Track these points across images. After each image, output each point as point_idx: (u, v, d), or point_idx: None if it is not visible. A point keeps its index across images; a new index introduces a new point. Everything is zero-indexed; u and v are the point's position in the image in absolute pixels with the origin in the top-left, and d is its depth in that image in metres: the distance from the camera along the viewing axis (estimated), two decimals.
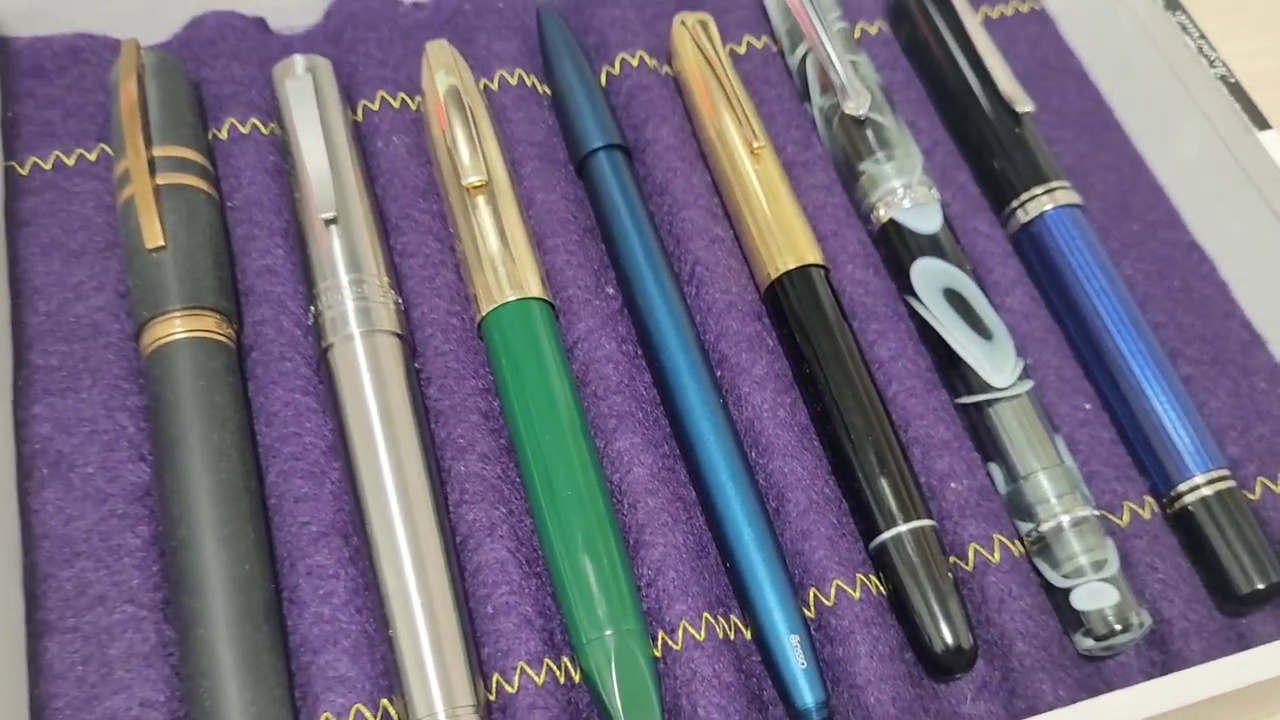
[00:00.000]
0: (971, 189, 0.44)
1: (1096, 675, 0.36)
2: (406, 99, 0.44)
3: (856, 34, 0.47)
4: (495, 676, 0.33)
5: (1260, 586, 0.36)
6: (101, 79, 0.43)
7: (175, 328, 0.36)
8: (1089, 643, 0.35)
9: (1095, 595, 0.35)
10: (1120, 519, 0.38)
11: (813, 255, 0.40)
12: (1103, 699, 0.32)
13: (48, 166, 0.41)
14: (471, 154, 0.40)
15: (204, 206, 0.39)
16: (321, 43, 0.46)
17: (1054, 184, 0.42)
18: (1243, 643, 0.37)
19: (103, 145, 0.41)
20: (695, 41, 0.44)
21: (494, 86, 0.44)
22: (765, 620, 0.35)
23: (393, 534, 0.34)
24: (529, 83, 0.44)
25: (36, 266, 0.39)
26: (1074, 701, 0.34)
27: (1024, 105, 0.43)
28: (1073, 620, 0.35)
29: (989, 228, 0.43)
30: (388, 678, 0.33)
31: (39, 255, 0.39)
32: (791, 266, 0.40)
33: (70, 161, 0.41)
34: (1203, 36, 0.42)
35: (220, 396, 0.36)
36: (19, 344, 0.37)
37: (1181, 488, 0.38)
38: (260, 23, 0.45)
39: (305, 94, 0.41)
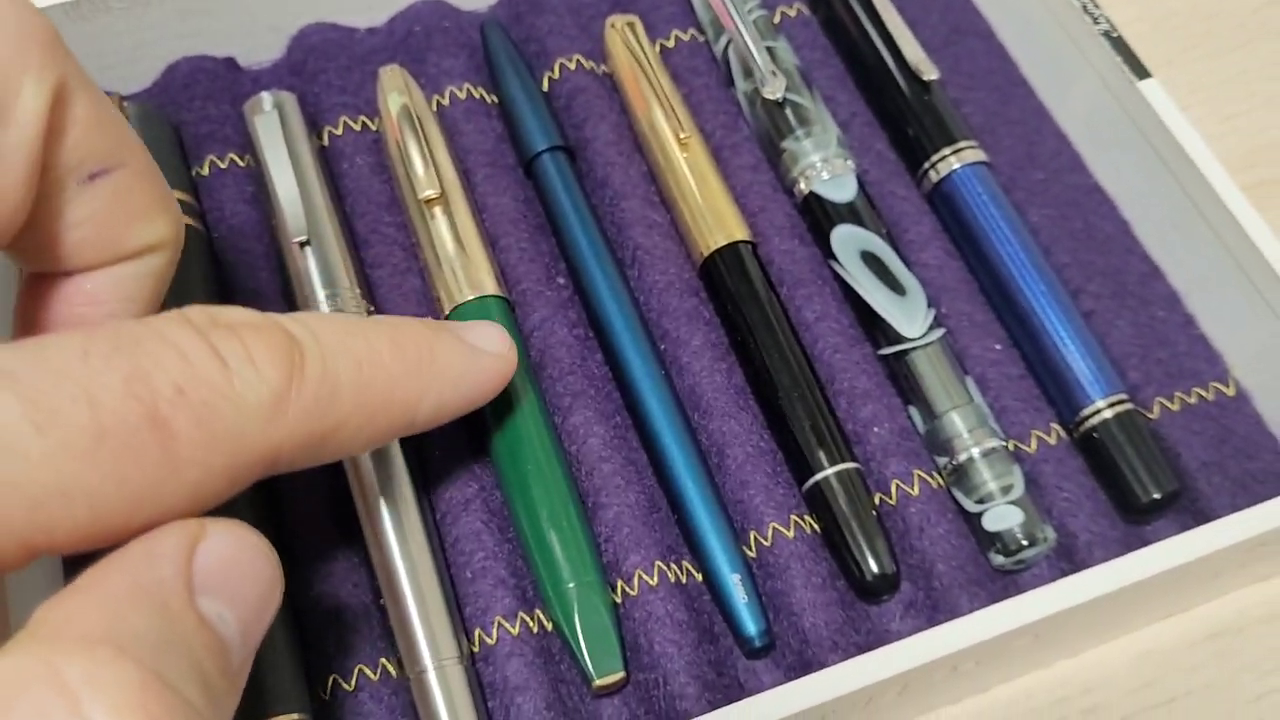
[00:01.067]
0: (888, 155, 0.48)
1: (1013, 586, 0.40)
2: (367, 121, 0.48)
3: (777, 18, 0.51)
4: (477, 631, 0.38)
5: (1156, 496, 0.40)
6: None
7: None
8: (1001, 559, 0.40)
9: (1004, 517, 0.39)
10: (1029, 447, 0.42)
11: (740, 232, 0.44)
12: (1008, 602, 0.36)
13: None
14: (425, 169, 0.44)
15: (195, 240, 0.44)
16: (286, 75, 0.50)
17: (961, 144, 0.46)
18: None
19: None
20: (625, 42, 0.48)
21: (445, 102, 0.48)
22: (711, 562, 0.39)
23: (379, 515, 0.39)
24: (477, 95, 0.49)
25: None
26: None
27: (930, 73, 0.47)
28: (986, 541, 0.40)
29: (905, 190, 0.47)
30: (384, 641, 0.38)
31: None
32: (721, 244, 0.44)
33: None
34: None
35: None
36: None
37: (1085, 413, 0.42)
38: (230, 62, 0.50)
39: (273, 128, 0.45)
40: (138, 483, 0.23)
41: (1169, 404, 0.43)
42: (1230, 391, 0.43)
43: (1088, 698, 0.42)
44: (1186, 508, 0.41)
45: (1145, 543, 0.41)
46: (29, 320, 0.31)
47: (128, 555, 0.23)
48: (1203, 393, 0.43)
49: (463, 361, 0.34)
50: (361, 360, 0.29)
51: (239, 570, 0.24)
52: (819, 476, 0.40)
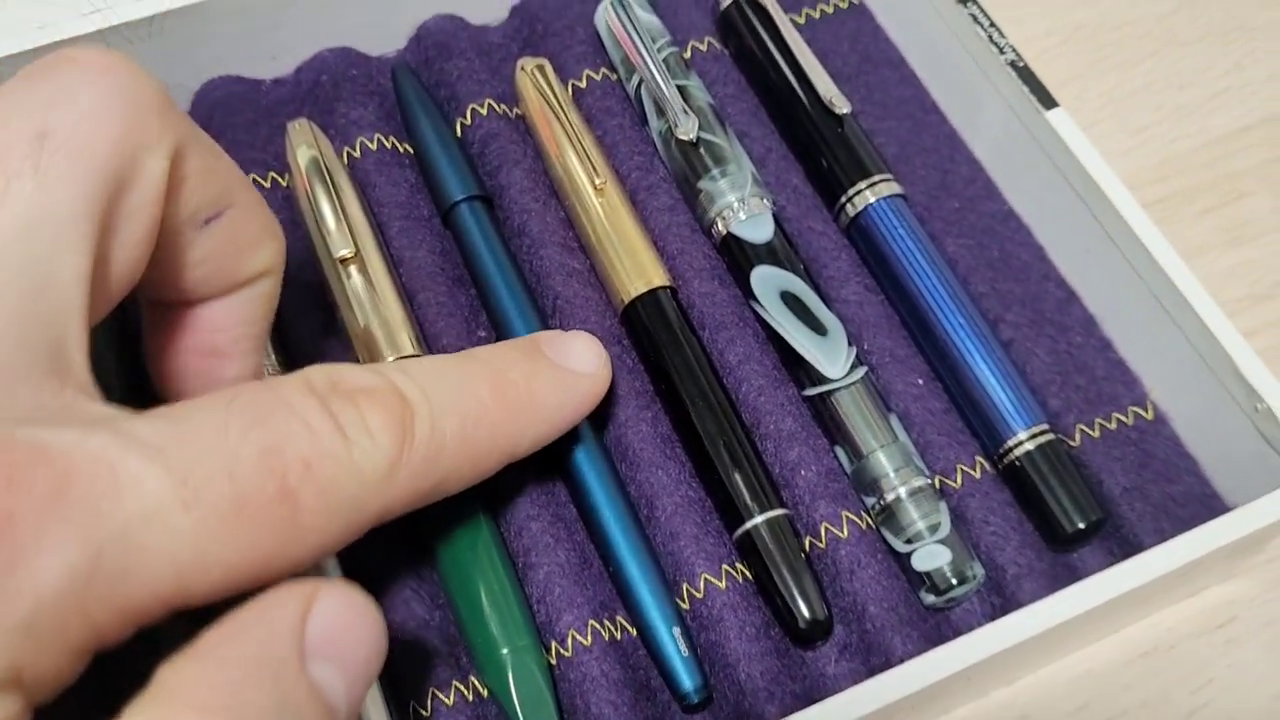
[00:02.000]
0: (805, 189, 0.48)
1: (946, 624, 0.41)
2: (277, 177, 0.47)
3: (688, 53, 0.51)
4: (411, 705, 0.38)
5: (1081, 525, 0.41)
6: None
7: None
8: (932, 598, 0.40)
9: (932, 556, 0.40)
10: (955, 482, 0.42)
11: (659, 278, 0.44)
12: (942, 648, 0.36)
13: None
14: (338, 227, 0.44)
15: None
16: None
17: (875, 177, 0.46)
18: (1074, 576, 0.41)
19: None
20: (536, 86, 0.48)
21: (356, 154, 0.48)
22: (645, 618, 0.39)
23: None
24: (389, 145, 0.48)
25: None
26: (920, 652, 0.39)
27: (842, 107, 0.47)
28: (916, 580, 0.40)
29: (822, 225, 0.47)
30: None
31: None
32: (641, 291, 0.44)
33: None
34: (993, 25, 0.46)
35: None
36: None
37: (1008, 444, 0.42)
38: None
39: None
40: (266, 549, 0.26)
41: (1090, 431, 0.43)
42: (1149, 415, 0.44)
43: None
44: (1111, 534, 0.42)
45: (1072, 571, 0.41)
46: (161, 350, 0.34)
47: (245, 623, 0.24)
48: (1122, 418, 0.43)
49: (560, 393, 0.36)
50: (467, 416, 0.32)
51: (348, 633, 0.25)
52: (749, 525, 0.40)
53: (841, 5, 0.53)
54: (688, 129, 0.46)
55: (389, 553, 0.40)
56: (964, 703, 0.42)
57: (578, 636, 0.39)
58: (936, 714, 0.42)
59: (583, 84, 0.50)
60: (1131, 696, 0.43)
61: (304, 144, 0.46)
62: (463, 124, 0.49)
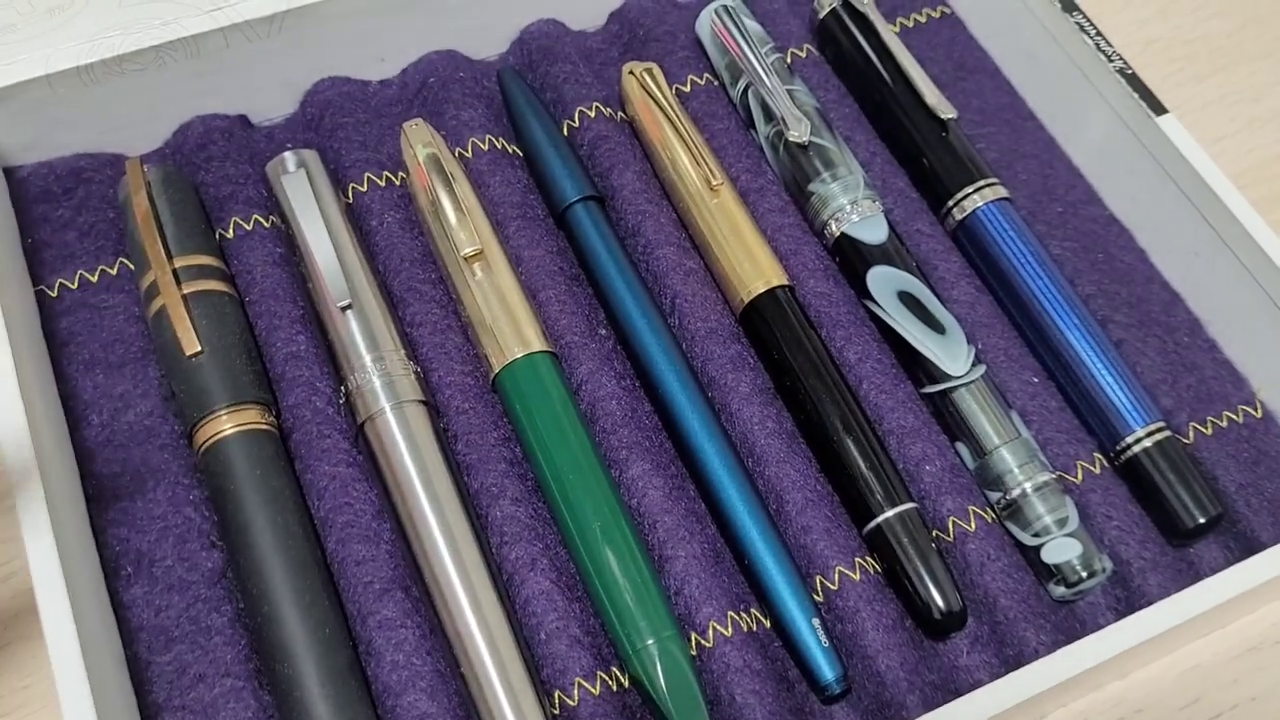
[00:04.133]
0: (910, 193, 0.49)
1: (1071, 617, 0.41)
2: (391, 177, 0.48)
3: (788, 59, 0.52)
4: (556, 694, 0.38)
5: (1202, 521, 0.42)
6: (106, 195, 0.46)
7: (223, 425, 0.40)
8: (1061, 590, 0.41)
9: (1063, 549, 0.40)
10: (1075, 477, 0.43)
11: (778, 277, 0.45)
12: (1079, 643, 0.37)
13: (74, 286, 0.44)
14: (462, 225, 0.44)
15: (229, 307, 0.43)
16: (302, 130, 0.49)
17: (982, 182, 0.47)
18: (1193, 571, 0.42)
19: (121, 259, 0.45)
20: (645, 89, 0.49)
21: (468, 154, 0.48)
22: (782, 609, 0.40)
23: (449, 580, 0.38)
24: (499, 145, 0.49)
25: (83, 382, 0.42)
26: (1055, 644, 0.39)
27: (948, 112, 0.48)
28: (1045, 573, 0.41)
29: (929, 227, 0.48)
30: (464, 709, 0.38)
31: (83, 371, 0.43)
32: (760, 290, 0.44)
33: (94, 279, 0.44)
34: (1099, 34, 0.47)
35: (276, 481, 0.40)
36: (81, 456, 0.41)
37: (1126, 442, 0.43)
38: (243, 120, 0.49)
39: (302, 188, 0.45)
40: None
41: (1202, 429, 0.44)
42: (1258, 414, 0.45)
43: (1140, 717, 0.43)
44: (1227, 529, 0.43)
45: (1190, 566, 0.42)
46: None
47: None
48: (1232, 416, 0.44)
49: None
50: None
51: None
52: (880, 518, 0.41)
53: (934, 15, 0.54)
54: (800, 131, 0.47)
55: (523, 541, 0.40)
56: (1080, 696, 0.43)
57: (718, 627, 0.39)
58: (1054, 707, 0.43)
59: (687, 88, 0.51)
60: (1241, 691, 0.44)
61: (422, 143, 0.46)
62: (570, 126, 0.49)
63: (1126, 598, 0.41)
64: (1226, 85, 0.59)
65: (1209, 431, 0.44)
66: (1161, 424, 0.43)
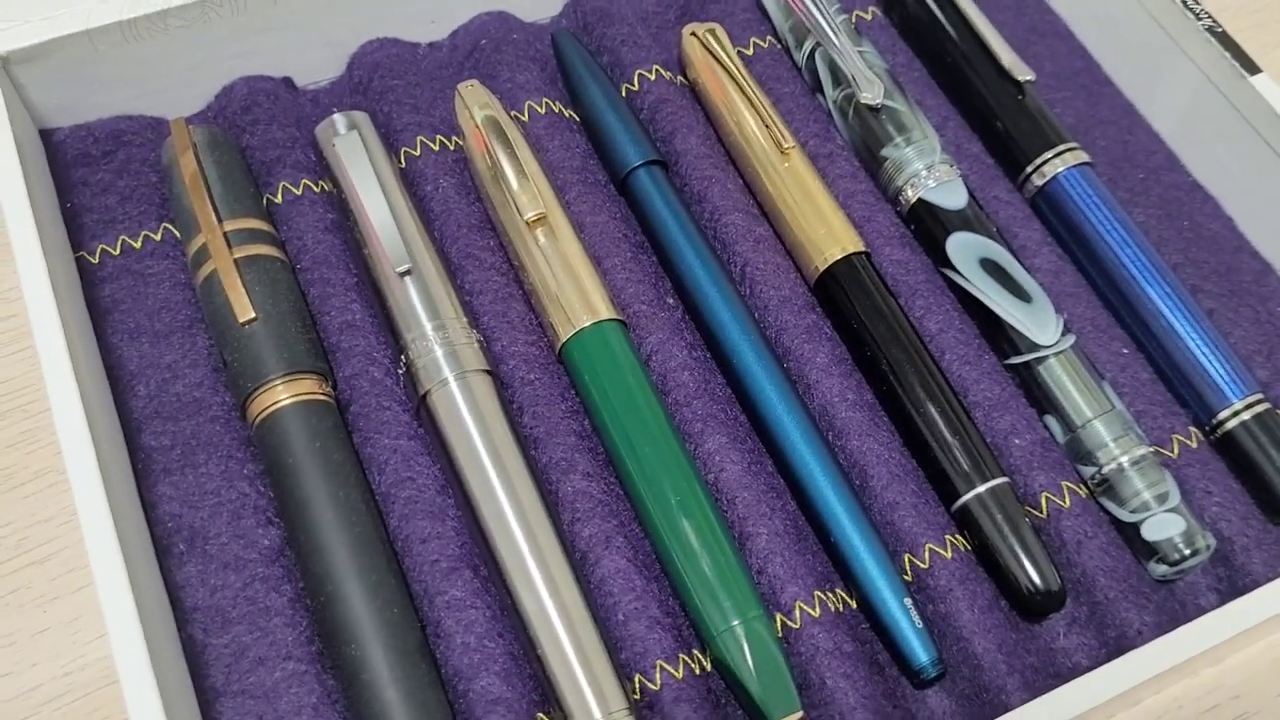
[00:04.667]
0: (985, 159, 0.47)
1: (1171, 597, 0.39)
2: (444, 141, 0.45)
3: (853, 22, 0.50)
4: (638, 677, 0.36)
5: None
6: (148, 159, 0.44)
7: (280, 395, 0.38)
8: (1163, 569, 0.39)
9: (1164, 525, 0.38)
10: (1171, 451, 0.41)
11: (854, 244, 0.43)
12: (1188, 627, 0.35)
13: (116, 252, 0.42)
14: (525, 188, 0.42)
15: (282, 273, 0.41)
16: (349, 94, 0.47)
17: (1062, 146, 0.45)
18: None
19: (166, 224, 0.43)
20: (709, 50, 0.47)
21: (524, 118, 0.46)
22: (870, 589, 0.38)
23: (521, 558, 0.36)
24: (556, 110, 0.46)
25: (128, 351, 0.40)
26: (1158, 625, 0.37)
27: (1025, 74, 0.46)
28: (1145, 551, 0.39)
29: (1007, 194, 0.46)
30: (539, 693, 0.36)
31: (128, 340, 0.40)
32: (837, 257, 0.42)
33: (137, 244, 0.42)
34: None
35: (337, 454, 0.38)
36: (128, 429, 0.39)
37: (1222, 415, 0.41)
38: (288, 82, 0.47)
39: (356, 151, 0.42)
40: None
41: None
42: None
43: (1237, 704, 0.41)
44: None
45: None
46: None
47: None
48: None
49: None
50: None
51: None
52: (970, 494, 0.39)
53: None
54: (874, 93, 0.45)
55: (596, 518, 0.38)
56: (1176, 680, 0.41)
57: (805, 607, 0.37)
58: (1150, 692, 0.41)
59: (749, 51, 0.49)
60: None
61: (479, 104, 0.44)
62: (629, 89, 0.47)
63: (1229, 577, 0.39)
64: None
65: None
66: (1260, 395, 0.41)
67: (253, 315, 0.39)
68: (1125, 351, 0.43)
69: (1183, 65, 0.46)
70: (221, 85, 0.46)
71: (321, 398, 0.39)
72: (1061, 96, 0.49)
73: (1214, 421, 0.41)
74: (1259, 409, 0.41)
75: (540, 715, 0.35)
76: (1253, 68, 0.43)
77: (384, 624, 0.35)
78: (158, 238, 0.43)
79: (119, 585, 0.32)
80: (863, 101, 0.45)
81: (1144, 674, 0.35)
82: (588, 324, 0.40)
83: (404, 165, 0.45)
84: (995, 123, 0.46)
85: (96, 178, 0.44)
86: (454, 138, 0.46)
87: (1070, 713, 0.34)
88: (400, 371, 0.40)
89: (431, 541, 0.37)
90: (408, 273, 0.40)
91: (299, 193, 0.43)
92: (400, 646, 0.35)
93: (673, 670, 0.36)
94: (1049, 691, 0.34)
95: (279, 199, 0.43)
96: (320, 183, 0.44)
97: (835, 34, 0.46)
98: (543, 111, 0.46)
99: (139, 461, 0.38)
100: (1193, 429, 0.41)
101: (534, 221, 0.42)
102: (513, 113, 0.46)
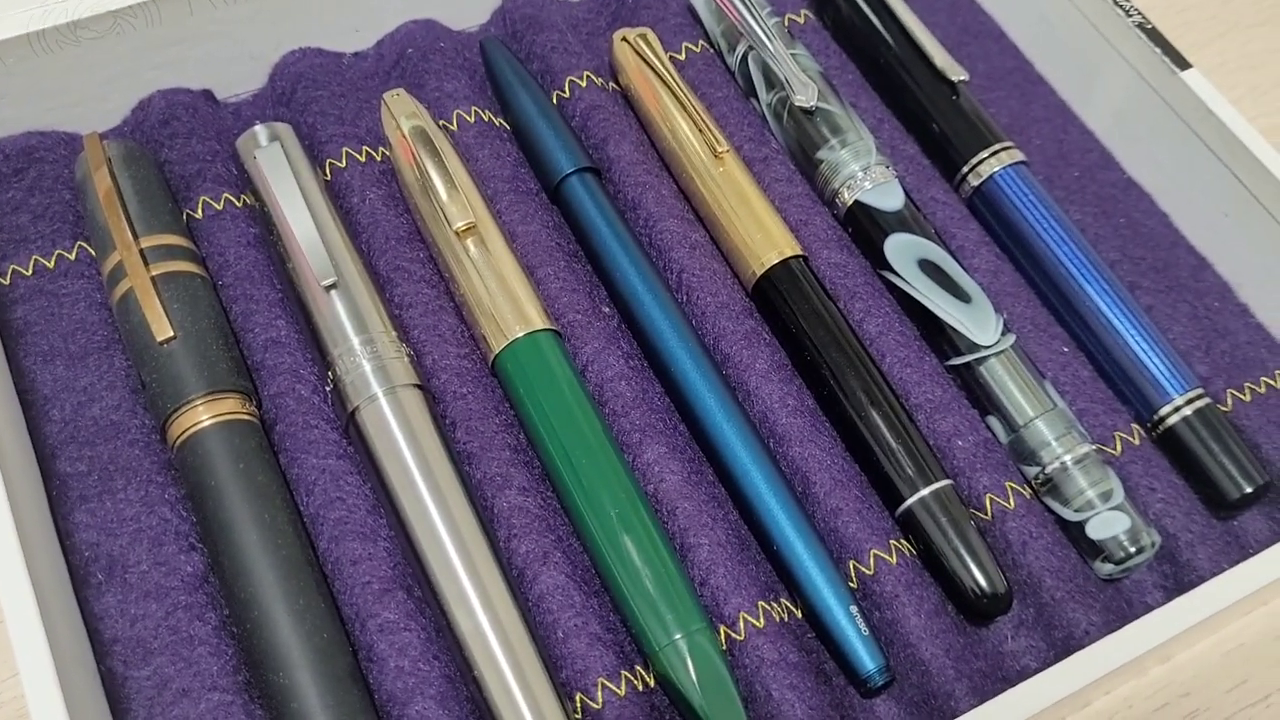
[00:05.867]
0: (921, 160, 0.46)
1: (1118, 596, 0.39)
2: (371, 152, 0.44)
3: (785, 25, 0.49)
4: (579, 696, 0.35)
5: (1248, 490, 0.39)
6: (61, 175, 0.43)
7: (200, 416, 0.37)
8: (1109, 568, 0.38)
9: (1108, 523, 0.38)
10: (1114, 449, 0.41)
11: (790, 248, 0.42)
12: (1134, 625, 0.35)
13: (28, 272, 0.40)
14: (454, 198, 0.41)
15: (202, 290, 0.39)
16: (272, 106, 0.46)
17: (997, 146, 0.45)
18: (1239, 544, 0.40)
19: (80, 243, 0.41)
20: (640, 55, 0.46)
21: (453, 127, 0.45)
22: (815, 598, 0.37)
23: (455, 577, 0.35)
24: (485, 118, 0.46)
25: (42, 375, 0.39)
26: (1105, 624, 0.37)
27: (958, 74, 0.46)
28: (1090, 550, 0.38)
29: (944, 195, 0.45)
30: (477, 716, 0.34)
31: (41, 363, 0.39)
32: (774, 261, 0.42)
33: (50, 264, 0.41)
34: None
35: (262, 475, 0.36)
36: (42, 455, 0.38)
37: (1163, 411, 0.41)
38: (208, 95, 0.46)
39: (278, 163, 0.41)
40: None
41: (1240, 395, 0.42)
42: None
43: (1187, 701, 0.41)
44: (1272, 499, 0.41)
45: (1235, 538, 0.40)
46: None
47: None
48: (1270, 381, 0.42)
49: None
50: None
51: None
52: (914, 498, 0.38)
53: None
54: (807, 96, 0.44)
55: (533, 533, 0.37)
56: (1124, 682, 0.41)
57: (749, 618, 0.36)
58: (1098, 695, 0.40)
59: (681, 56, 0.48)
60: None
61: (405, 115, 0.43)
62: (560, 96, 0.46)
63: (1175, 574, 0.39)
64: (1226, 53, 0.57)
65: (1247, 398, 0.42)
66: (1200, 391, 0.41)
67: (171, 334, 0.37)
68: (1065, 350, 0.42)
69: (1115, 63, 0.46)
70: (139, 99, 0.45)
71: (245, 417, 0.37)
72: (995, 96, 0.49)
73: (1155, 418, 0.41)
74: (1199, 404, 0.41)
75: None
76: (1183, 63, 0.43)
77: (313, 650, 0.34)
78: (72, 257, 0.41)
79: (30, 620, 0.31)
80: (797, 104, 0.45)
81: (1092, 674, 0.34)
82: (520, 334, 0.39)
83: (329, 178, 0.44)
84: (930, 123, 0.46)
85: (7, 196, 0.42)
86: (380, 149, 0.44)
87: (1020, 716, 0.33)
88: (328, 388, 0.39)
89: (363, 563, 0.36)
90: (333, 286, 0.39)
91: (220, 207, 0.42)
92: (330, 673, 0.34)
93: (614, 687, 0.35)
94: (997, 696, 0.33)
95: (199, 214, 0.42)
96: (242, 197, 0.43)
97: (768, 37, 0.45)
98: (471, 120, 0.45)
99: (53, 489, 0.37)
100: (1134, 426, 0.41)
101: (463, 231, 0.41)
102: (441, 122, 0.45)
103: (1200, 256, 0.45)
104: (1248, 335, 0.43)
